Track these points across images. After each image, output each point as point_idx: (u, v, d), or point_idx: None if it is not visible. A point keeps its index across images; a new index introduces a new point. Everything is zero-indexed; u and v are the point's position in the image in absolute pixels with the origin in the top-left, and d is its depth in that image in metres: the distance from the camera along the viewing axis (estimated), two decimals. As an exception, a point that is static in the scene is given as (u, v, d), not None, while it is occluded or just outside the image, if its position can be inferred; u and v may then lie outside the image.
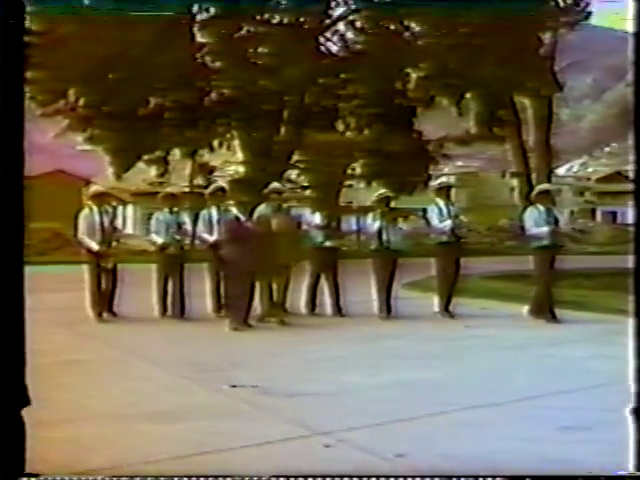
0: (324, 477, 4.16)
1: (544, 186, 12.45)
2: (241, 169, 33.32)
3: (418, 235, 15.45)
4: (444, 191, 11.67)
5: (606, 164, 75.89)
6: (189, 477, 4.17)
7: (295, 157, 33.34)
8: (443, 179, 13.01)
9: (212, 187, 12.21)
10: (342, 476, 4.19)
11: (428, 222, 11.54)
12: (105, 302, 10.83)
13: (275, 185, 11.88)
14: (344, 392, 6.44)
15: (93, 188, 11.93)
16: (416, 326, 10.61)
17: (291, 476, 4.13)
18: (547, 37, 36.96)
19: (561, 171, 66.73)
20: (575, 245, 32.80)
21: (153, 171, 34.12)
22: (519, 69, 31.66)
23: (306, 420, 5.46)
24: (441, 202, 11.41)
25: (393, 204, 11.91)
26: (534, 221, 10.87)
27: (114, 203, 11.77)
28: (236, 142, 33.06)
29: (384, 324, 10.84)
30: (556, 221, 10.95)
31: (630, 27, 3.53)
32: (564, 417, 5.56)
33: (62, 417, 5.31)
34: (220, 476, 4.08)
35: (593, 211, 58.13)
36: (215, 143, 33.47)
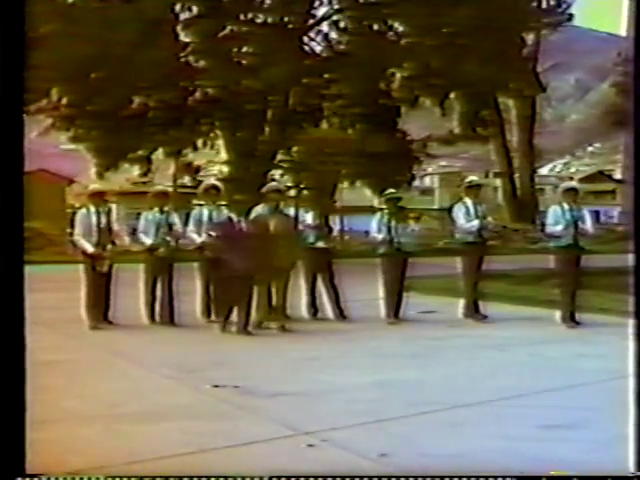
0: (307, 477, 4.15)
1: (570, 184, 12.03)
2: (225, 169, 33.28)
3: (427, 236, 14.67)
4: (473, 190, 11.26)
5: (589, 164, 76.29)
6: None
7: (279, 157, 33.33)
8: (473, 177, 12.47)
9: (204, 185, 11.52)
10: (325, 476, 4.19)
11: (453, 221, 11.21)
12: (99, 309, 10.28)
13: (274, 184, 11.44)
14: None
15: (91, 187, 11.39)
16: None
17: (273, 476, 4.13)
18: (530, 38, 37.21)
19: (544, 171, 67.05)
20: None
21: (136, 171, 34.03)
22: (502, 69, 31.77)
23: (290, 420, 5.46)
24: (469, 201, 11.06)
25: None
26: (554, 219, 10.48)
27: (110, 204, 11.06)
28: (220, 142, 33.02)
29: (396, 329, 10.39)
30: (579, 220, 10.42)
31: (628, 28, 3.55)
32: (547, 415, 5.58)
33: (44, 418, 5.27)
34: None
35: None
36: (199, 143, 33.42)
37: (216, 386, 6.53)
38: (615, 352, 7.69)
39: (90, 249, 10.25)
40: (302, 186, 31.31)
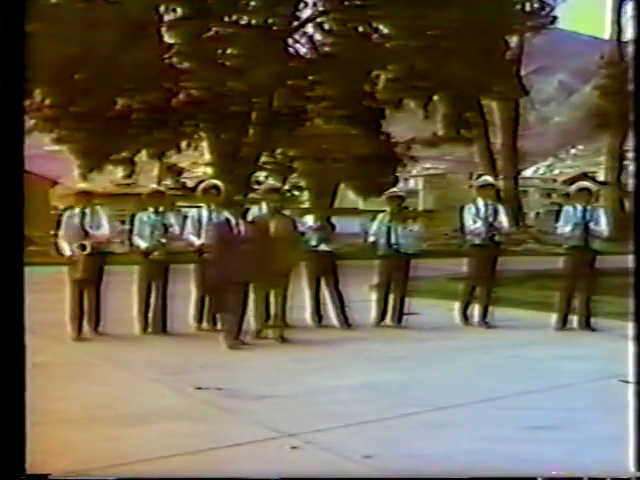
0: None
1: (582, 184, 11.69)
2: (209, 170, 33.23)
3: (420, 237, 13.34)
4: (486, 190, 10.84)
5: (572, 166, 76.69)
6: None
7: (263, 158, 33.35)
8: (487, 177, 12.05)
9: (204, 185, 10.84)
10: (309, 478, 4.18)
11: (462, 222, 10.73)
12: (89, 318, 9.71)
13: (271, 183, 10.84)
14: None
15: (78, 186, 10.98)
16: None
17: (257, 479, 4.11)
18: (514, 41, 37.40)
19: (528, 173, 67.37)
20: (540, 246, 33.04)
21: (120, 172, 33.95)
22: (486, 72, 31.91)
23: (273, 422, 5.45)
24: (480, 202, 10.60)
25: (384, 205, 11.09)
26: (564, 220, 10.28)
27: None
28: (204, 143, 32.98)
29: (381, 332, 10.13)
30: (591, 221, 10.13)
31: (628, 29, 3.58)
32: (532, 417, 5.59)
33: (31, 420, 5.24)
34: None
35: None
36: (183, 144, 33.38)
37: (199, 388, 6.50)
38: (600, 354, 7.76)
39: (67, 251, 9.67)
40: (288, 187, 31.31)
